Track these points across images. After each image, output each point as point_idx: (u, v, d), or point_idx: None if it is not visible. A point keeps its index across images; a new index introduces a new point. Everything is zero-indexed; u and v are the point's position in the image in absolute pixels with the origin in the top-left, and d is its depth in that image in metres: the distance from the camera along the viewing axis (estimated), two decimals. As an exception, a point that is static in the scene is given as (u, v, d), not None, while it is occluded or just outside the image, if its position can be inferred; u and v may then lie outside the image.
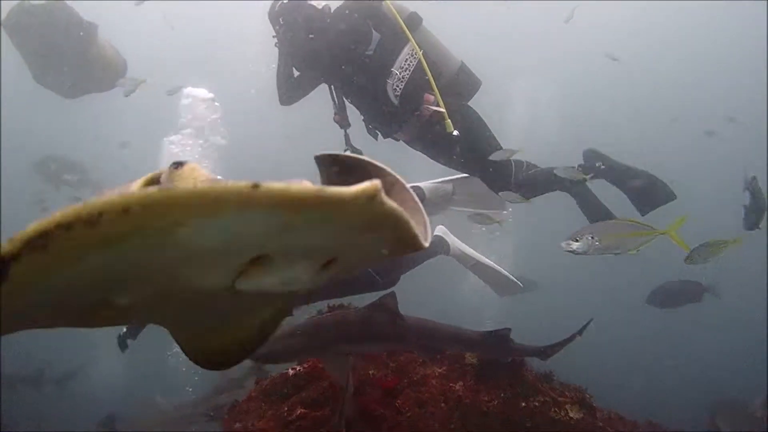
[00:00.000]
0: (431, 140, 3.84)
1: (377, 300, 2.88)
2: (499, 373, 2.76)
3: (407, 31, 3.63)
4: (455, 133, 3.45)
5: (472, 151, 3.76)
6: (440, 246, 4.59)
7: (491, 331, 2.83)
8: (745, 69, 18.46)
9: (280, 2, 3.78)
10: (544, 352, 2.91)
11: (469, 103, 3.91)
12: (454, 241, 4.63)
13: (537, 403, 2.56)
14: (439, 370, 2.99)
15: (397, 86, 3.60)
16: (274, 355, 2.79)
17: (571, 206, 3.99)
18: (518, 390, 2.65)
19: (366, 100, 3.79)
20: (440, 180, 4.62)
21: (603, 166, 4.03)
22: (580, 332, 3.08)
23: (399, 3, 3.77)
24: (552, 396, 2.62)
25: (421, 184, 4.49)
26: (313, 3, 3.80)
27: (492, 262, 4.62)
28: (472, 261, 4.63)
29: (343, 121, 4.00)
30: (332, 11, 3.80)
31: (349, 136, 4.05)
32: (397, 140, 3.95)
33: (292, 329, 2.78)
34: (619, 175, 4.11)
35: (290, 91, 4.01)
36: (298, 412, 2.70)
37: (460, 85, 3.79)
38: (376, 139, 3.98)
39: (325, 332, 2.82)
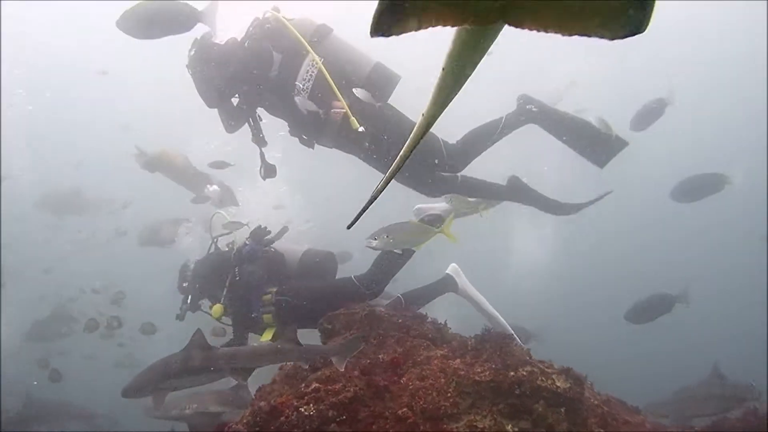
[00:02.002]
0: (351, 142, 4.21)
1: (192, 338, 3.48)
2: (492, 350, 3.03)
3: (305, 44, 3.93)
4: (361, 129, 3.76)
5: (392, 146, 4.12)
6: (450, 284, 4.88)
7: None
8: (746, 69, 18.30)
9: (189, 53, 4.24)
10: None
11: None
12: (464, 282, 4.89)
13: (525, 373, 2.80)
14: (441, 352, 3.27)
15: (303, 97, 3.96)
16: (134, 390, 3.57)
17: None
18: (508, 362, 2.90)
19: (284, 115, 4.20)
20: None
21: (535, 109, 4.35)
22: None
23: (303, 19, 4.09)
24: (540, 367, 2.87)
25: (438, 208, 4.83)
26: (217, 41, 4.21)
27: (494, 311, 4.82)
28: (476, 305, 4.88)
29: (259, 141, 4.40)
30: (235, 43, 4.20)
31: (264, 153, 4.44)
32: (330, 147, 4.32)
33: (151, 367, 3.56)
34: (556, 123, 4.48)
35: (228, 120, 4.44)
36: (313, 386, 3.01)
37: (373, 85, 4.07)
38: (313, 148, 4.38)
39: (153, 371, 3.54)
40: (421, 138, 1.15)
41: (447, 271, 4.88)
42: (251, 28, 4.21)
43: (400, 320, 3.78)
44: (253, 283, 4.48)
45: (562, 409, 2.72)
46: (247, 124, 4.45)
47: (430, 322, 3.91)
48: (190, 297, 4.72)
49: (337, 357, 3.12)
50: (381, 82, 4.14)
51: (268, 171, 4.49)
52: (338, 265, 4.92)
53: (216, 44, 4.31)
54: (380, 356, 3.33)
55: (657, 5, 0.86)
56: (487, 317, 4.81)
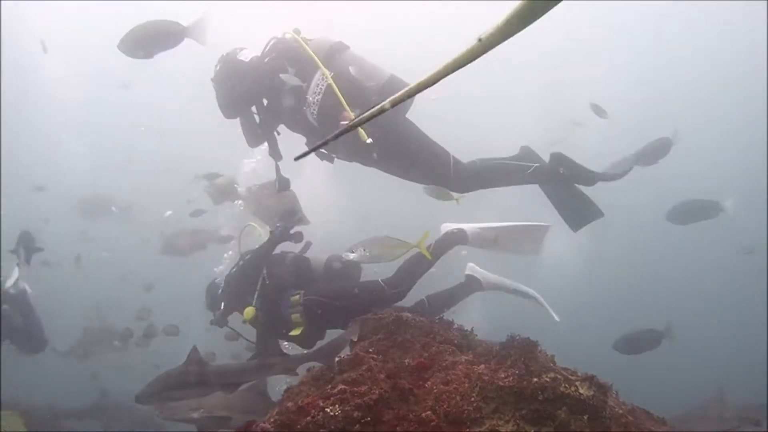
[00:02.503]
0: (361, 154, 4.30)
1: (189, 354, 3.89)
2: (517, 356, 3.05)
3: (315, 59, 4.08)
4: (369, 141, 3.85)
5: (399, 157, 4.18)
6: (474, 285, 4.91)
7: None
8: (745, 69, 18.08)
9: (216, 68, 4.47)
10: None
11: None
12: (484, 274, 4.92)
13: (548, 379, 2.82)
14: (466, 357, 3.31)
15: (313, 110, 4.09)
16: (143, 398, 3.95)
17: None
18: (532, 368, 2.92)
19: (300, 129, 4.32)
20: (485, 226, 4.97)
21: (564, 172, 4.34)
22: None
23: (320, 39, 4.26)
24: (563, 374, 2.88)
25: (465, 228, 4.88)
26: (241, 57, 4.41)
27: (523, 287, 4.85)
28: (506, 288, 4.89)
29: (275, 155, 4.58)
30: (256, 59, 4.43)
31: (279, 167, 4.62)
32: (351, 161, 4.42)
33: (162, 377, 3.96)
34: (568, 188, 4.49)
35: (250, 134, 4.63)
36: (339, 387, 3.08)
37: (386, 96, 4.16)
38: (332, 162, 4.49)
39: (158, 382, 3.94)
40: (465, 64, 1.08)
41: (466, 273, 4.93)
42: (268, 47, 4.44)
43: (426, 326, 3.83)
44: (282, 285, 4.61)
45: (585, 417, 2.73)
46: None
47: (456, 328, 3.96)
48: (219, 313, 4.87)
49: (323, 361, 3.29)
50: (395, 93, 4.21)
51: (283, 184, 4.70)
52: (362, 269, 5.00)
53: (240, 60, 4.54)
54: (406, 360, 3.39)
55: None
56: (521, 295, 4.86)
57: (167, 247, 10.03)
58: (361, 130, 3.90)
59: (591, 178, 4.41)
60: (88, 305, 13.38)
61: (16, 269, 7.54)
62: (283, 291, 4.62)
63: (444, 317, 4.16)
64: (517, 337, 3.13)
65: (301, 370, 3.75)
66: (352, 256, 4.21)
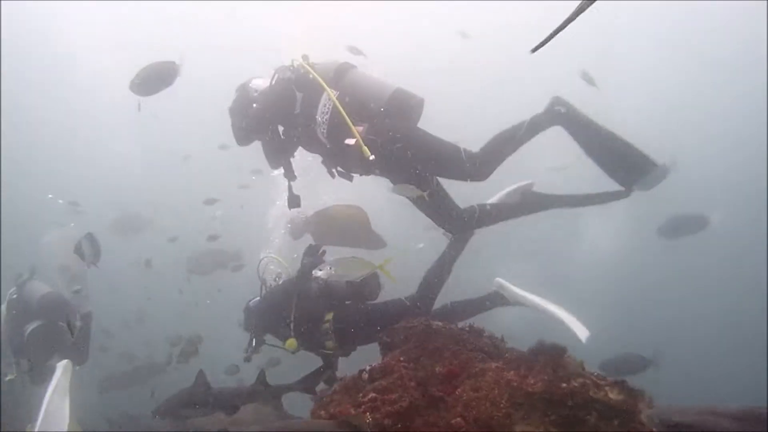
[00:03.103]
0: (366, 169, 4.40)
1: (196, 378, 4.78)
2: (546, 362, 3.06)
3: (320, 80, 4.29)
4: (371, 157, 4.02)
5: (403, 169, 4.30)
6: (497, 300, 4.93)
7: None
8: (745, 69, 17.72)
9: (234, 98, 4.75)
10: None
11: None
12: (513, 291, 4.93)
13: (577, 384, 2.82)
14: (496, 364, 3.33)
15: (323, 130, 4.26)
16: (159, 413, 4.77)
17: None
18: (561, 374, 2.93)
19: (314, 148, 4.45)
20: (534, 300, 4.93)
21: (563, 110, 4.29)
22: None
23: (327, 61, 4.47)
24: (593, 379, 2.88)
25: (512, 295, 4.96)
26: (252, 86, 4.69)
27: (552, 308, 4.75)
28: (535, 307, 4.88)
29: (289, 176, 4.82)
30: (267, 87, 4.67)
31: (291, 186, 4.86)
32: (368, 175, 4.54)
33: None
34: (584, 127, 4.40)
35: (271, 158, 4.83)
36: (370, 396, 3.14)
37: (393, 110, 4.28)
38: (351, 180, 4.62)
39: (171, 401, 4.82)
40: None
41: (494, 288, 4.95)
42: (277, 74, 4.64)
43: (456, 334, 3.86)
44: (312, 314, 4.90)
45: (616, 422, 2.72)
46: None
47: (486, 336, 3.97)
48: (254, 339, 5.22)
49: (305, 390, 3.54)
50: (401, 106, 4.33)
51: (293, 201, 4.91)
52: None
53: (252, 90, 4.82)
54: (437, 368, 3.42)
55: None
56: (549, 316, 4.83)
57: (192, 267, 10.69)
58: (364, 147, 4.08)
59: (587, 121, 4.38)
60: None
61: (68, 273, 7.70)
62: (314, 320, 4.88)
63: (474, 325, 4.18)
64: (546, 343, 3.14)
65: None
66: (320, 273, 4.69)
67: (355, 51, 6.63)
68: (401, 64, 4.59)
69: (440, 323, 4.05)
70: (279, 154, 4.77)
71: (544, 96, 4.51)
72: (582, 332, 4.60)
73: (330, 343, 4.85)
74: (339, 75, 4.43)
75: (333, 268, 4.55)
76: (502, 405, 2.90)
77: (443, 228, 4.70)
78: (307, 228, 6.15)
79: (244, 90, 4.82)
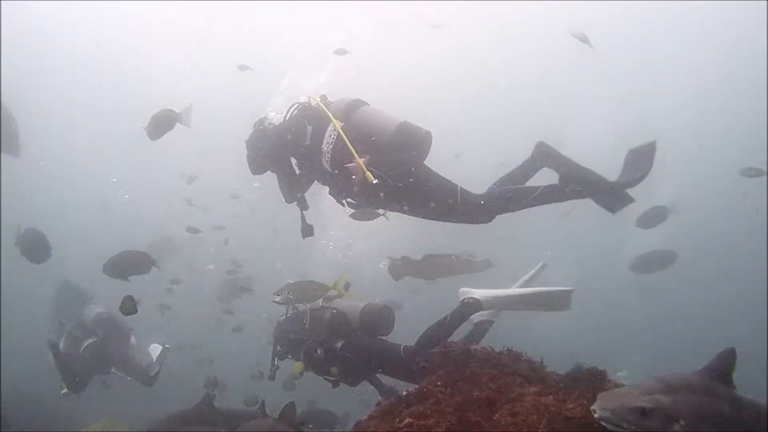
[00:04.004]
0: (370, 198, 4.44)
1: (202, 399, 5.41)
2: (584, 386, 3.01)
3: (327, 112, 4.46)
4: (375, 181, 4.08)
5: (419, 200, 4.38)
6: (470, 307, 4.93)
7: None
8: (745, 69, 17.17)
9: (252, 132, 4.95)
10: None
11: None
12: (481, 293, 4.93)
13: (617, 409, 2.76)
14: (535, 389, 3.28)
15: (327, 158, 4.39)
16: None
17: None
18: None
19: (324, 181, 4.63)
20: (505, 293, 5.03)
21: (579, 189, 4.25)
22: None
23: (340, 99, 4.63)
24: (633, 404, 2.80)
25: (480, 296, 4.91)
26: (269, 122, 4.89)
27: (523, 290, 4.90)
28: (509, 302, 4.94)
29: (302, 206, 4.95)
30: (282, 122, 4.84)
31: (304, 215, 4.97)
32: (372, 204, 4.53)
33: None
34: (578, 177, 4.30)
35: (286, 191, 4.97)
36: (407, 421, 3.13)
37: (396, 142, 4.33)
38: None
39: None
40: None
41: (460, 299, 4.94)
42: (291, 110, 4.80)
43: (494, 357, 3.82)
44: (322, 340, 5.12)
45: (657, 448, 2.65)
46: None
47: (525, 360, 3.91)
48: (276, 359, 5.50)
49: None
50: (405, 139, 4.35)
51: (306, 231, 5.03)
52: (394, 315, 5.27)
53: (267, 125, 4.97)
54: (474, 393, 3.38)
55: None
56: (524, 304, 4.94)
57: (220, 295, 11.83)
58: (368, 173, 4.13)
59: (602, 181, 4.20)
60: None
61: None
62: (323, 345, 5.09)
63: (513, 348, 4.10)
64: (584, 367, 3.09)
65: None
66: (277, 298, 4.87)
67: (340, 52, 6.75)
68: (402, 64, 4.66)
69: (478, 347, 4.02)
70: (293, 186, 4.91)
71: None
72: (565, 288, 4.82)
73: (334, 370, 5.03)
74: (350, 109, 4.54)
75: (290, 292, 4.87)
76: (540, 431, 2.85)
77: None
78: (405, 270, 6.39)
79: (260, 124, 5.00)
